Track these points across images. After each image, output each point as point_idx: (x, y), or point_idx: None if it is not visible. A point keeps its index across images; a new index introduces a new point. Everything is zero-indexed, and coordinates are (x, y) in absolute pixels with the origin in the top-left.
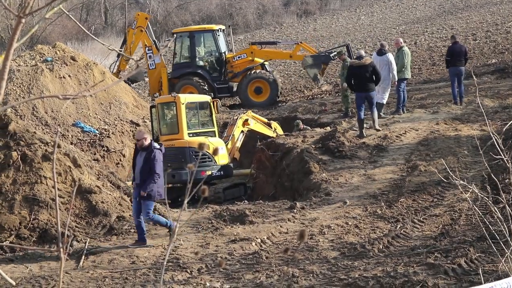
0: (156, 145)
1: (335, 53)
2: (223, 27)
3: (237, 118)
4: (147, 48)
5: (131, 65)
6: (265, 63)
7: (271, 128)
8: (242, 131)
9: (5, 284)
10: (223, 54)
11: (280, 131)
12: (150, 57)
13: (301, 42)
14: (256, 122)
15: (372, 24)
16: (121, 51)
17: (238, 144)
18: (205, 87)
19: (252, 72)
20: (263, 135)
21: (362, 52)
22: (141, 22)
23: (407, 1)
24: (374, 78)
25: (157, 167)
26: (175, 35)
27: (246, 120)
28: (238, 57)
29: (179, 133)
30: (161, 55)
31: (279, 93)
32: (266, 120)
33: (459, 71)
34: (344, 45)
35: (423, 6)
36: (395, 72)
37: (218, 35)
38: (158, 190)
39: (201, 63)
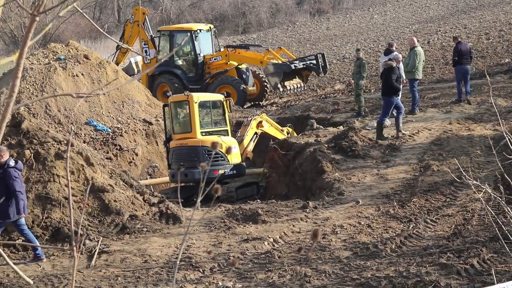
0: (11, 163)
1: (306, 62)
2: (206, 27)
3: (251, 119)
4: (143, 43)
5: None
6: (241, 66)
7: (284, 132)
8: (256, 133)
9: (19, 282)
10: (199, 55)
11: (294, 135)
12: (146, 51)
13: (280, 48)
14: (270, 126)
15: (385, 23)
16: (134, 50)
17: (251, 145)
18: (180, 87)
19: (220, 77)
20: (275, 138)
21: (395, 56)
22: (138, 17)
23: (420, 0)
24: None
25: (16, 185)
26: (159, 33)
27: (260, 122)
28: (215, 59)
29: (192, 132)
30: (157, 50)
31: (265, 94)
32: (279, 127)
33: (466, 70)
34: (318, 53)
35: (436, 5)
36: (402, 72)
37: (196, 36)
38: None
39: (179, 62)
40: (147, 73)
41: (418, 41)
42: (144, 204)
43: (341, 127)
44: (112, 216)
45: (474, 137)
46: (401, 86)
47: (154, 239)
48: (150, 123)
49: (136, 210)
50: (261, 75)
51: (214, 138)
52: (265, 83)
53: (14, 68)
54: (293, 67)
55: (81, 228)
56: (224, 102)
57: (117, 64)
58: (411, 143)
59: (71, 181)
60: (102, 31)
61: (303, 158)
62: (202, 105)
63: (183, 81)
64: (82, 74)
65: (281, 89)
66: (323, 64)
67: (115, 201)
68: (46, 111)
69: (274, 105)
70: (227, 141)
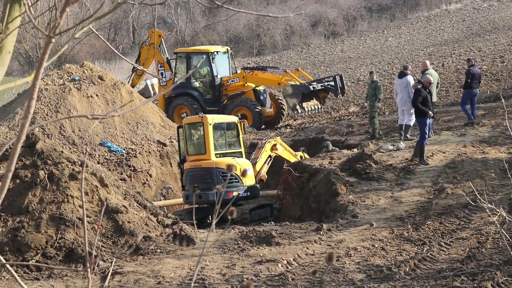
0: None
1: (324, 84)
2: (224, 49)
3: (266, 142)
4: (159, 65)
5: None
6: (258, 88)
7: (297, 157)
8: (270, 156)
9: None
10: (216, 76)
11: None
12: (161, 74)
13: (297, 69)
14: (283, 149)
15: (400, 45)
16: (146, 69)
17: (265, 167)
18: (198, 109)
19: (237, 99)
20: (288, 161)
21: (425, 78)
22: (154, 39)
23: (434, 23)
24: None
25: None
26: (176, 55)
27: (275, 145)
28: (232, 81)
29: (206, 153)
30: (172, 72)
31: (282, 116)
32: (293, 152)
33: (475, 93)
34: (336, 75)
35: (450, 28)
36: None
37: (213, 58)
38: None
39: (196, 84)
40: (164, 95)
41: (431, 64)
42: (158, 226)
43: (355, 150)
44: (126, 237)
45: (489, 160)
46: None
47: (168, 260)
48: (164, 145)
49: (149, 232)
50: (277, 97)
51: (228, 160)
52: (282, 105)
53: (30, 89)
54: (312, 88)
55: (94, 249)
56: (239, 124)
57: (133, 86)
58: (425, 166)
59: (85, 202)
60: (116, 52)
61: (317, 180)
62: (217, 127)
63: (200, 103)
64: (97, 95)
65: (299, 111)
66: (341, 85)
67: (129, 222)
68: (60, 131)
69: (289, 127)
70: (241, 163)
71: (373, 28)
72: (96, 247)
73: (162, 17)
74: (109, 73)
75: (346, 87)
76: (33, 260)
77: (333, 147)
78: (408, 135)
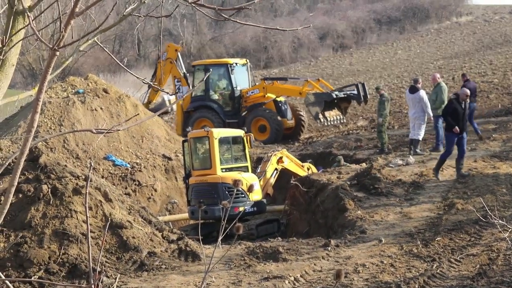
0: None
1: (346, 92)
2: (242, 61)
3: (272, 155)
4: (176, 80)
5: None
6: (278, 99)
7: (304, 168)
8: (276, 169)
9: None
10: (236, 88)
11: (314, 171)
12: (178, 89)
13: (318, 79)
14: (290, 162)
15: (409, 58)
16: (155, 83)
17: (272, 181)
18: (220, 121)
19: (255, 110)
20: (296, 175)
21: (462, 91)
22: (171, 54)
23: (445, 35)
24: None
25: None
26: (193, 68)
27: (281, 158)
28: (252, 92)
29: (212, 168)
30: (189, 86)
31: (303, 128)
32: (300, 163)
33: (473, 108)
34: (359, 83)
35: (461, 40)
36: (429, 110)
37: (232, 69)
38: None
39: (215, 96)
40: (182, 108)
41: (442, 77)
42: (163, 241)
43: (363, 164)
44: (130, 253)
45: (500, 175)
46: (426, 123)
47: (173, 276)
48: (170, 159)
49: (154, 247)
50: (294, 108)
51: (234, 174)
52: (301, 117)
53: (33, 103)
54: (334, 96)
55: (98, 265)
56: (245, 138)
57: (150, 102)
58: (435, 181)
59: (89, 217)
60: (121, 65)
61: (325, 195)
62: (223, 141)
63: (220, 115)
64: (101, 108)
65: (321, 120)
66: (363, 94)
67: (133, 237)
68: (64, 145)
69: (296, 141)
70: (248, 177)
71: (382, 40)
72: (100, 263)
73: (168, 29)
74: (114, 86)
75: (368, 96)
76: (35, 276)
77: (344, 162)
78: (417, 150)
